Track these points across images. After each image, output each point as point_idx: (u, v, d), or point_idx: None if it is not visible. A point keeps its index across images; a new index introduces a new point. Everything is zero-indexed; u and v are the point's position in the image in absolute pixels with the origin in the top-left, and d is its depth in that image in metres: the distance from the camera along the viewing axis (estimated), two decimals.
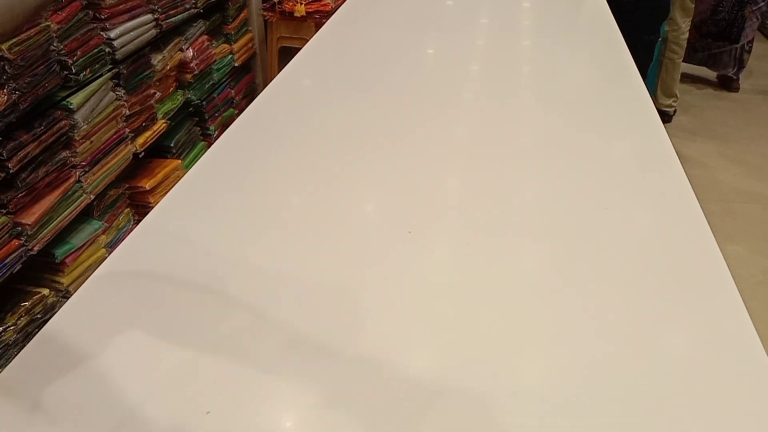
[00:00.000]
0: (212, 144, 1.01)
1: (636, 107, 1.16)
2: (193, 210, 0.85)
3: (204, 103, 2.38)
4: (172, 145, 2.15)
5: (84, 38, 1.63)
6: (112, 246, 1.81)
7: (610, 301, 0.69)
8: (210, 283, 0.71)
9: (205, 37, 2.36)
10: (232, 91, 2.64)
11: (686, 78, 3.50)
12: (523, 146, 1.04)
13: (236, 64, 2.64)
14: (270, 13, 2.80)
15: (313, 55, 1.43)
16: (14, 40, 1.38)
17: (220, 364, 0.60)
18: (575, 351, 0.62)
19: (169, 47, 2.10)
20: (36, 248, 1.52)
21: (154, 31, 1.97)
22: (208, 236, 0.79)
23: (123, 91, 1.81)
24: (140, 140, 1.92)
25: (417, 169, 0.95)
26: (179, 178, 0.93)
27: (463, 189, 0.92)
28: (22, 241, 1.48)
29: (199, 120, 2.42)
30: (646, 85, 1.25)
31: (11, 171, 1.42)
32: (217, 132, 2.46)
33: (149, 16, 1.93)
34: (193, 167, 0.94)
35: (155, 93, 2.00)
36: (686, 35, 2.99)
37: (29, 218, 1.49)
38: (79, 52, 1.61)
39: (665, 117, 3.22)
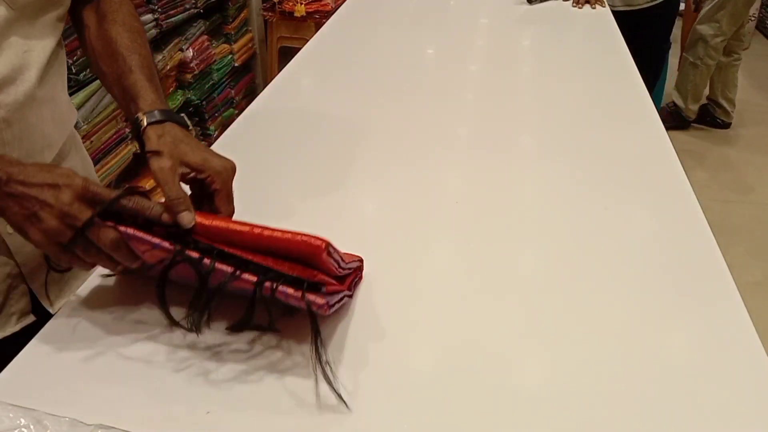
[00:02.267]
0: (212, 144, 1.01)
1: (636, 107, 1.16)
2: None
3: (204, 103, 2.38)
4: None
5: None
6: None
7: (610, 302, 0.69)
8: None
9: (205, 37, 2.36)
10: (232, 91, 2.64)
11: None
12: (523, 146, 1.05)
13: (236, 64, 2.64)
14: (270, 13, 2.80)
15: (313, 55, 1.43)
16: None
17: (220, 364, 0.60)
18: (575, 350, 0.62)
19: (169, 47, 2.11)
20: None
21: (154, 31, 1.97)
22: None
23: None
24: None
25: (417, 169, 0.95)
26: None
27: (463, 189, 0.92)
28: None
29: (199, 120, 2.42)
30: (651, 94, 1.25)
31: None
32: (217, 132, 2.46)
33: (149, 16, 1.93)
34: None
35: None
36: (726, 40, 2.91)
37: None
38: (79, 52, 1.61)
39: (686, 123, 3.12)
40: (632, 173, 0.94)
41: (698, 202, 0.86)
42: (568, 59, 1.43)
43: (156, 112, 0.66)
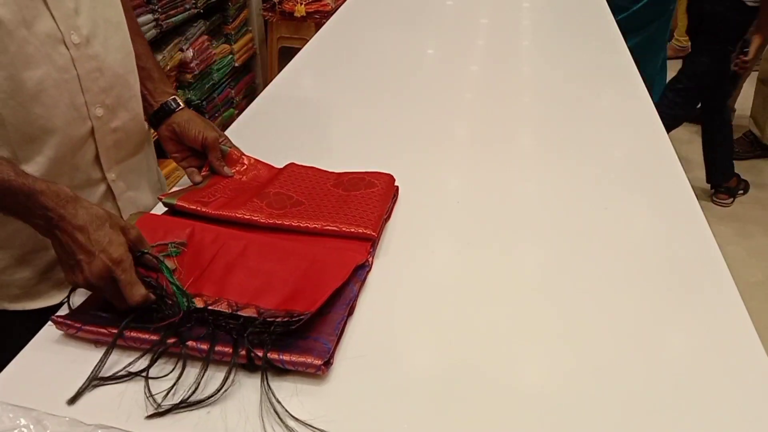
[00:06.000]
0: None
1: (636, 107, 1.16)
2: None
3: (204, 103, 2.38)
4: None
5: None
6: None
7: (610, 301, 0.69)
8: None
9: (205, 37, 2.36)
10: (232, 91, 2.64)
11: None
12: (523, 146, 1.05)
13: (236, 65, 2.63)
14: (270, 13, 2.80)
15: (313, 55, 1.43)
16: None
17: (219, 367, 0.60)
18: (574, 350, 0.62)
19: (169, 47, 2.10)
20: None
21: (154, 31, 1.96)
22: None
23: None
24: None
25: (417, 169, 0.95)
26: (180, 178, 0.93)
27: (463, 188, 0.92)
28: None
29: None
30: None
31: None
32: None
33: (149, 16, 1.93)
34: None
35: None
36: None
37: None
38: None
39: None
40: (632, 173, 0.94)
41: (698, 202, 0.86)
42: (569, 59, 1.43)
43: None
